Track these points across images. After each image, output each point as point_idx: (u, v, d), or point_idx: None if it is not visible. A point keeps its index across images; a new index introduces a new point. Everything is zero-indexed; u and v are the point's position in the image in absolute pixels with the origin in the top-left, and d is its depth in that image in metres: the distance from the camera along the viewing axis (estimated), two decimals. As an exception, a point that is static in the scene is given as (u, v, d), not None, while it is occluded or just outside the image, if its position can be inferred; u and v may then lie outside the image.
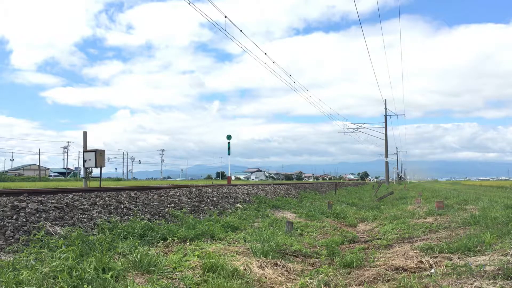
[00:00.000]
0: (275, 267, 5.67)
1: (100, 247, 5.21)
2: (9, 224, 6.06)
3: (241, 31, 18.20)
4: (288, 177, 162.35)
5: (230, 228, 8.57)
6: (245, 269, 5.26)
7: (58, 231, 6.26)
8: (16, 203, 6.89)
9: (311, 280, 5.19)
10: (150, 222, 7.84)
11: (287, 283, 5.14)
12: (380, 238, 8.77)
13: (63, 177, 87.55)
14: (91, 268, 4.30)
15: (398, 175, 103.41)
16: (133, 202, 9.28)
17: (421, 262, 5.64)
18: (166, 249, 6.30)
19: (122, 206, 8.71)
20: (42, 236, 5.50)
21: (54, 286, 3.89)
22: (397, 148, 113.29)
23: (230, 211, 11.50)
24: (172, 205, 10.07)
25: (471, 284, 4.29)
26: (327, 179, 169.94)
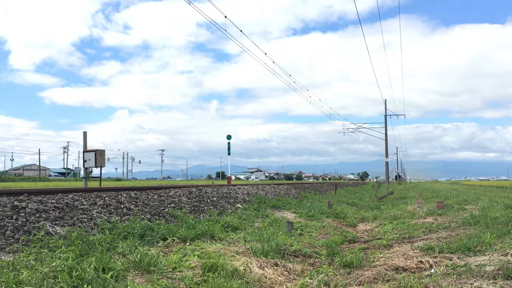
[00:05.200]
0: (275, 267, 5.66)
1: (100, 247, 5.21)
2: (9, 224, 6.06)
3: (241, 31, 18.21)
4: (288, 177, 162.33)
5: (230, 228, 8.56)
6: (245, 269, 5.26)
7: (58, 231, 6.26)
8: (16, 203, 6.89)
9: (311, 280, 5.19)
10: (150, 222, 7.84)
11: (287, 283, 5.14)
12: (380, 238, 8.77)
13: (63, 177, 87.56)
14: (91, 268, 4.29)
15: (398, 175, 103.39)
16: (133, 202, 9.27)
17: (421, 262, 5.64)
18: (166, 249, 6.30)
19: (122, 206, 8.71)
20: (42, 236, 5.49)
21: (54, 286, 3.89)
22: (397, 148, 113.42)
23: (230, 211, 11.50)
24: (172, 205, 10.07)
25: (471, 284, 4.29)
26: (327, 179, 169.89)
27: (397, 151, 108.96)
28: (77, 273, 4.07)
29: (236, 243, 7.18)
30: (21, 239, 5.72)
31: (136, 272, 4.81)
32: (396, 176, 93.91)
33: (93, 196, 8.76)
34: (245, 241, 7.31)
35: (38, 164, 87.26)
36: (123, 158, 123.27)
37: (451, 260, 5.59)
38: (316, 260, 6.68)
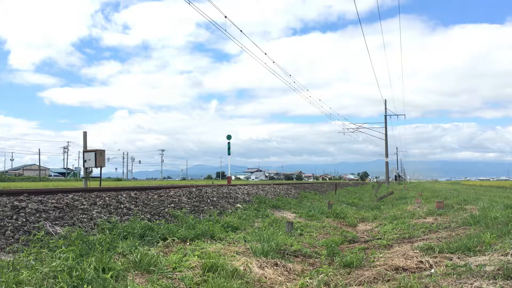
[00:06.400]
0: (275, 267, 5.66)
1: (100, 247, 5.21)
2: (9, 224, 6.06)
3: (241, 31, 18.21)
4: (288, 177, 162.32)
5: (230, 228, 8.56)
6: (245, 269, 5.26)
7: (58, 231, 6.26)
8: (16, 203, 6.89)
9: (311, 280, 5.18)
10: (150, 222, 7.84)
11: (287, 283, 5.14)
12: (380, 238, 8.77)
13: (63, 177, 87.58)
14: (91, 268, 4.29)
15: (398, 174, 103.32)
16: (133, 202, 9.27)
17: (421, 262, 5.64)
18: (166, 249, 6.30)
19: (122, 206, 8.71)
20: (42, 236, 5.49)
21: (54, 286, 3.88)
22: (397, 148, 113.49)
23: (230, 211, 11.50)
24: (172, 205, 10.07)
25: (471, 284, 4.29)
26: (327, 179, 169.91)
27: (397, 151, 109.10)
28: (77, 273, 4.07)
29: (236, 243, 7.18)
30: (21, 239, 5.72)
31: (136, 272, 4.81)
32: (396, 176, 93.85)
33: (93, 196, 8.76)
34: (245, 241, 7.31)
35: (38, 164, 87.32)
36: (123, 158, 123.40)
37: (451, 260, 5.59)
38: (316, 260, 6.68)
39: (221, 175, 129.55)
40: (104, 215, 7.77)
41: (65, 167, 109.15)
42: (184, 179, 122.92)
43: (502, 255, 5.21)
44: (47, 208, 7.10)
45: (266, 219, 10.50)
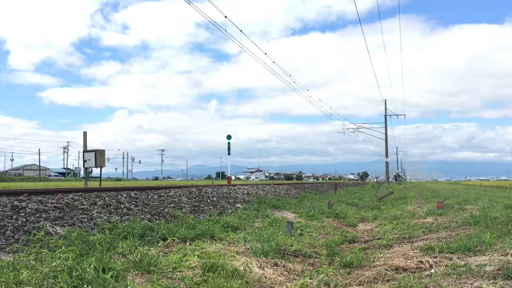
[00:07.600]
0: (275, 267, 5.66)
1: (100, 247, 5.21)
2: (9, 224, 6.06)
3: (241, 31, 18.22)
4: (288, 177, 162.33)
5: (230, 228, 8.56)
6: (245, 269, 5.26)
7: (58, 231, 6.26)
8: (16, 203, 6.89)
9: (311, 280, 5.18)
10: (150, 222, 7.84)
11: (287, 283, 5.14)
12: (380, 238, 8.76)
13: (63, 177, 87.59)
14: (91, 268, 4.29)
15: (398, 174, 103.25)
16: (133, 202, 9.27)
17: (421, 262, 5.64)
18: (166, 249, 6.30)
19: (122, 206, 8.71)
20: (42, 236, 5.49)
21: (54, 286, 3.88)
22: (397, 148, 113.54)
23: (230, 211, 11.50)
24: (172, 205, 10.07)
25: (471, 284, 4.29)
26: (327, 179, 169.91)
27: (397, 151, 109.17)
28: (77, 273, 4.07)
29: (236, 243, 7.18)
30: (21, 239, 5.72)
31: (136, 272, 4.81)
32: (395, 176, 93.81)
33: (93, 196, 8.76)
34: (245, 241, 7.31)
35: (38, 164, 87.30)
36: (123, 158, 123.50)
37: (451, 260, 5.59)
38: (316, 260, 6.68)
39: (221, 175, 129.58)
40: (104, 215, 7.77)
41: (65, 167, 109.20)
42: (156, 178, 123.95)
43: (502, 255, 5.21)
44: (47, 208, 7.10)
45: (266, 219, 10.50)
